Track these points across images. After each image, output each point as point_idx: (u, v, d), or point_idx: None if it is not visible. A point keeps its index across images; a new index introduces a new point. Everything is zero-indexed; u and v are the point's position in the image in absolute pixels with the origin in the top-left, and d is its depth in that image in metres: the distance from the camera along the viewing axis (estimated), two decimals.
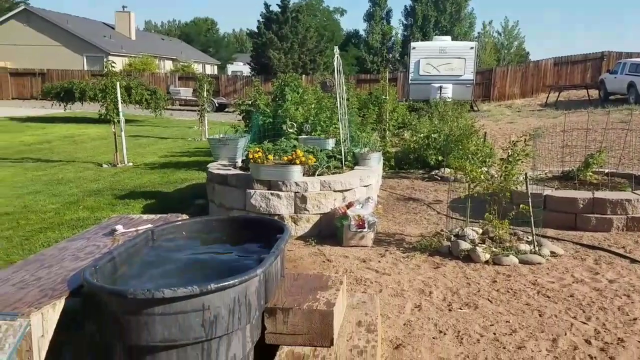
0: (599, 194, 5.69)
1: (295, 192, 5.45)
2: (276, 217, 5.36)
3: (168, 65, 43.20)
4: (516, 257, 4.63)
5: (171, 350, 2.30)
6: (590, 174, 6.50)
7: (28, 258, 3.17)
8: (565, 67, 25.19)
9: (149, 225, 3.43)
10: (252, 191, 5.49)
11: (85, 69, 34.52)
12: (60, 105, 20.07)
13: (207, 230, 3.37)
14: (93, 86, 18.13)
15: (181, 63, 42.35)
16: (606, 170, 6.62)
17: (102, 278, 2.50)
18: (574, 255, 4.83)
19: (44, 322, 2.32)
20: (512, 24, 49.31)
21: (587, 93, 21.48)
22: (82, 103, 19.91)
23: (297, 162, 5.50)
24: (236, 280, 2.35)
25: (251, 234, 3.36)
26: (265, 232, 3.22)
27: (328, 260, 4.78)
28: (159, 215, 3.84)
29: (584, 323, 3.47)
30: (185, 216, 3.77)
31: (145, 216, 3.90)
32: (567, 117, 10.10)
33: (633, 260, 4.62)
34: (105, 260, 2.65)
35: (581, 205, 5.64)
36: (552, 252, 4.80)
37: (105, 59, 24.89)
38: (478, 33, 46.98)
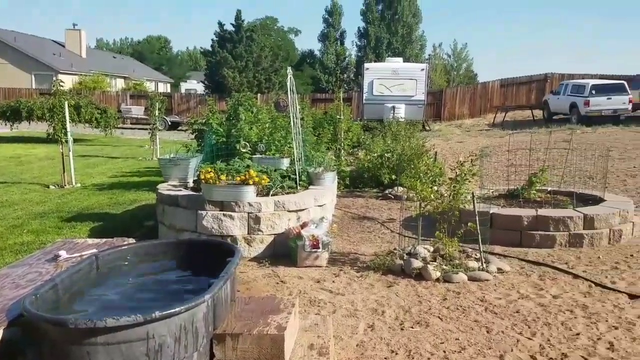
0: (542, 212, 5.91)
1: (248, 213, 5.41)
2: (229, 239, 5.30)
3: (120, 83, 42.41)
4: (465, 274, 4.74)
5: None
6: (534, 192, 6.73)
7: None
8: (511, 88, 26.24)
9: (94, 250, 3.32)
10: (203, 212, 5.41)
11: (34, 87, 33.46)
12: (6, 124, 19.31)
13: (154, 254, 3.29)
14: (41, 105, 17.55)
15: (133, 81, 41.69)
16: (549, 189, 6.85)
17: (43, 307, 2.40)
18: (520, 272, 4.98)
19: None
20: (460, 46, 50.82)
21: (532, 113, 22.40)
22: (29, 122, 19.18)
23: (250, 182, 5.46)
24: (182, 307, 2.31)
25: (201, 257, 3.30)
26: (215, 254, 3.17)
27: (282, 281, 4.76)
28: (104, 240, 3.73)
29: (530, 339, 3.57)
30: (131, 240, 3.68)
31: (90, 240, 3.78)
32: (513, 137, 10.46)
33: (575, 276, 4.79)
34: (47, 288, 2.55)
35: (525, 223, 5.83)
36: (499, 269, 4.94)
37: (54, 77, 24.24)
38: (429, 55, 48.19)
